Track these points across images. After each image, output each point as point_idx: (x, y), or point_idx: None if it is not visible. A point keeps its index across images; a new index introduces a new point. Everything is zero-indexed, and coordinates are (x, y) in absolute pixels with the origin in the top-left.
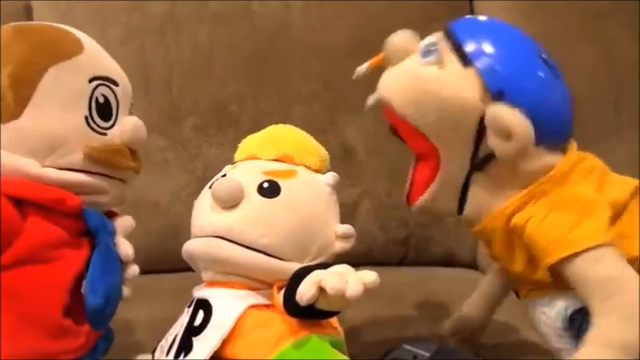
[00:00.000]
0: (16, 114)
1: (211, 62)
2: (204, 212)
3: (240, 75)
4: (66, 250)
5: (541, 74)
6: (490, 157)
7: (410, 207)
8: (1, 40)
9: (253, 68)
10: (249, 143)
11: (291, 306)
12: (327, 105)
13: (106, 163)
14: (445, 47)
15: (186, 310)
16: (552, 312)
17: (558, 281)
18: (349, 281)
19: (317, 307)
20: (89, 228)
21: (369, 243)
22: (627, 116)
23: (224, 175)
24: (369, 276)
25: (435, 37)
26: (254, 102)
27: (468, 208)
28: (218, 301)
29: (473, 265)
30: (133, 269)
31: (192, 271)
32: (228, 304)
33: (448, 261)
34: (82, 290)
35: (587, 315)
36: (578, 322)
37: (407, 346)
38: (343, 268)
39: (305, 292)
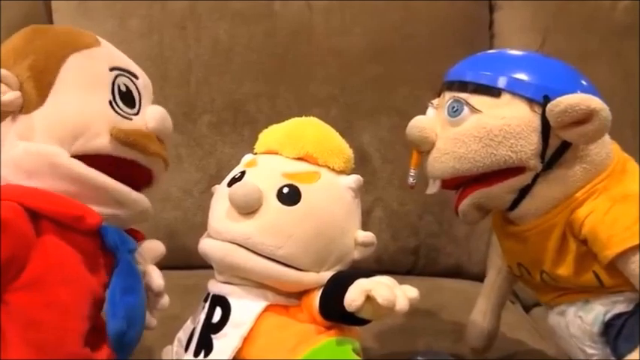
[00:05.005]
0: (39, 102)
1: (230, 60)
2: (221, 215)
3: (258, 74)
4: (82, 271)
5: (564, 70)
6: (559, 154)
7: (457, 207)
8: (22, 38)
9: (271, 68)
10: (270, 136)
11: (330, 309)
12: (344, 109)
13: (133, 145)
14: (464, 96)
15: (202, 304)
16: (589, 316)
17: (601, 284)
18: (398, 295)
19: (355, 314)
20: (107, 246)
21: (379, 250)
22: None
23: (243, 172)
24: (412, 292)
25: (446, 97)
26: (271, 102)
27: (527, 204)
28: (236, 299)
29: (481, 278)
30: (164, 300)
31: (201, 268)
32: (247, 303)
33: (457, 272)
34: (102, 313)
35: (628, 319)
36: (617, 327)
37: (421, 358)
38: (388, 280)
39: (355, 299)
